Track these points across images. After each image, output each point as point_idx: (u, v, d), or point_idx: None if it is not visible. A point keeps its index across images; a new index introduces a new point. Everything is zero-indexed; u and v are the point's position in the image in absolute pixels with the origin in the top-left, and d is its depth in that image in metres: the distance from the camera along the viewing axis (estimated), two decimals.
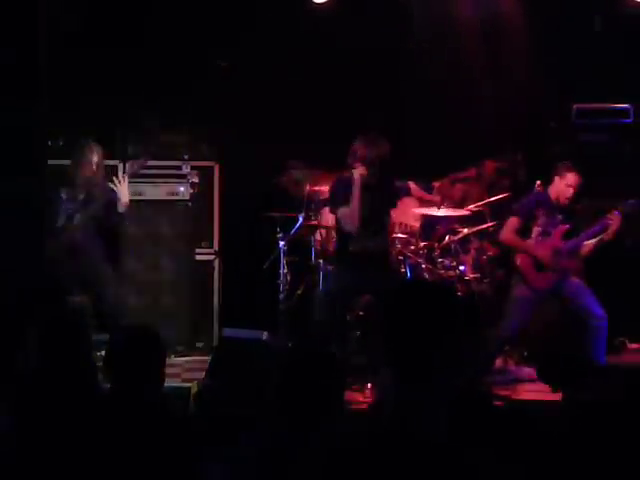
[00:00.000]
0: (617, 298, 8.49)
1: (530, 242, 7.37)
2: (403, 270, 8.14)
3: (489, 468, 2.48)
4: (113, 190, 7.70)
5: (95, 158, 7.73)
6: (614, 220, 7.29)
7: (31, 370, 3.42)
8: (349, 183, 7.08)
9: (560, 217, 7.38)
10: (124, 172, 8.24)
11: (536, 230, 7.37)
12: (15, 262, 5.87)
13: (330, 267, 7.94)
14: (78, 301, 7.71)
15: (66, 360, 3.48)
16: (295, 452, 2.88)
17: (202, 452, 3.31)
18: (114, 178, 7.80)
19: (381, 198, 7.25)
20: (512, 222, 7.44)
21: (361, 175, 7.02)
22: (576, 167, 7.41)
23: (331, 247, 8.16)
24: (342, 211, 7.15)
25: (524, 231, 7.40)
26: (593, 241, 7.38)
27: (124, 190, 7.71)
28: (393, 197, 7.51)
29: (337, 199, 7.23)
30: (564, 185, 7.32)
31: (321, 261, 8.14)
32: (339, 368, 3.18)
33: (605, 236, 7.33)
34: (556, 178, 7.38)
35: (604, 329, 7.16)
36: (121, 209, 7.73)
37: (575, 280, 7.38)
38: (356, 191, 7.03)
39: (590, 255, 7.45)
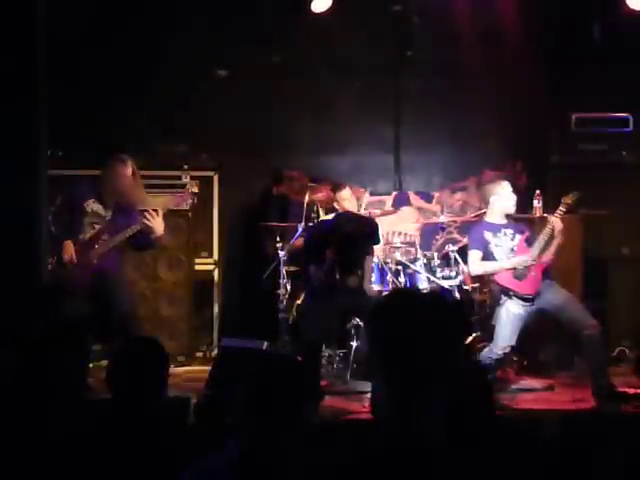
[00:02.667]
0: (615, 308, 8.51)
1: (500, 261, 7.34)
2: (402, 280, 8.13)
3: (489, 477, 2.47)
4: (143, 211, 7.39)
5: (128, 172, 7.35)
6: (555, 223, 7.26)
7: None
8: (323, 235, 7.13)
9: (510, 230, 7.34)
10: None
11: (498, 251, 7.34)
12: (9, 271, 5.85)
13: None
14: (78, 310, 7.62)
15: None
16: (264, 461, 2.87)
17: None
18: (148, 210, 7.50)
19: (357, 245, 7.20)
20: (473, 255, 7.37)
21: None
22: (501, 172, 7.44)
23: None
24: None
25: (489, 256, 7.37)
26: (552, 243, 7.35)
27: (159, 221, 7.40)
28: (369, 243, 7.45)
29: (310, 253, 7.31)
30: (504, 198, 7.30)
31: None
32: (301, 374, 3.16)
33: (557, 240, 7.30)
34: (491, 200, 7.34)
35: (598, 337, 7.11)
36: (153, 238, 7.51)
37: (562, 291, 7.34)
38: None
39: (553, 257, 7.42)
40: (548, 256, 7.29)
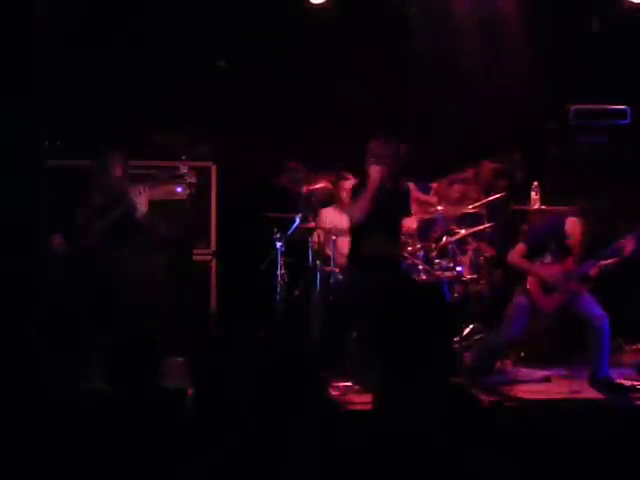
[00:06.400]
0: (614, 300, 8.50)
1: (539, 265, 7.30)
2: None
3: (483, 466, 2.48)
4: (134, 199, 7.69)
5: (119, 164, 7.69)
6: (627, 244, 7.22)
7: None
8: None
9: (569, 244, 7.30)
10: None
11: (548, 256, 7.31)
12: (8, 259, 5.86)
13: (344, 272, 7.93)
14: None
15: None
16: (269, 455, 2.87)
17: (195, 452, 3.32)
18: (135, 188, 7.76)
19: (396, 203, 7.22)
20: (520, 248, 7.34)
21: (379, 172, 7.06)
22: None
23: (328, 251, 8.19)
24: (354, 202, 7.23)
25: (537, 252, 7.33)
26: (605, 262, 7.32)
27: (143, 200, 7.68)
28: (408, 205, 7.46)
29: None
30: (580, 227, 7.26)
31: (318, 262, 8.12)
32: (312, 367, 3.16)
33: (618, 259, 7.27)
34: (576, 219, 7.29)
35: (605, 329, 7.14)
36: (139, 217, 7.70)
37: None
38: (372, 185, 7.04)
39: (599, 275, 7.39)
40: (588, 283, 7.28)
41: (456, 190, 9.22)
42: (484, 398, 2.92)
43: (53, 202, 7.62)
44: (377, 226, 7.15)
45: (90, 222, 7.58)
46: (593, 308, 7.21)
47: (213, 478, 2.93)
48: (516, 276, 7.43)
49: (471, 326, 8.36)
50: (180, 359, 8.49)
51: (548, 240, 7.29)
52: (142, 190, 7.72)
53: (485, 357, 7.48)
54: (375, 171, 7.06)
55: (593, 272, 7.30)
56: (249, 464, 2.88)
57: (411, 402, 2.45)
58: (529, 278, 7.32)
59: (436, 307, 2.58)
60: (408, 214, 7.50)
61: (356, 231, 7.36)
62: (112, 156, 7.72)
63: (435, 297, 2.65)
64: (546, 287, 7.27)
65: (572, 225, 7.29)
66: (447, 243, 8.29)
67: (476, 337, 8.18)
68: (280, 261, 8.33)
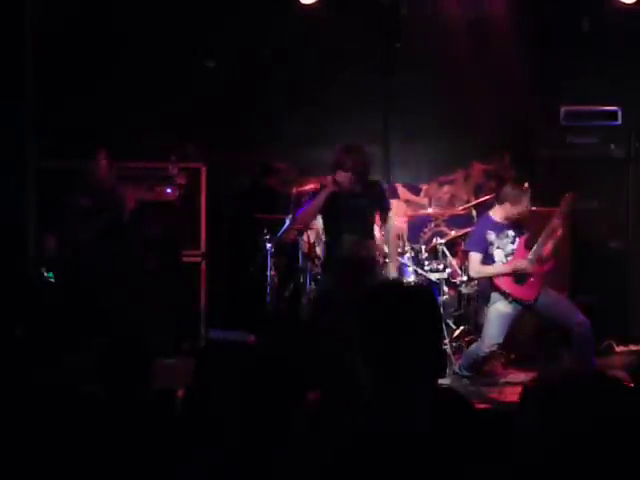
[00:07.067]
0: (603, 301, 8.51)
1: (500, 265, 7.32)
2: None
3: (472, 467, 2.47)
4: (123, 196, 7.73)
5: (107, 165, 7.75)
6: (557, 221, 7.26)
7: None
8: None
9: (511, 232, 7.32)
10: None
11: (498, 253, 7.32)
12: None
13: (318, 272, 7.98)
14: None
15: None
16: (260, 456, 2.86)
17: (185, 453, 3.30)
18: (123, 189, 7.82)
19: (365, 205, 7.26)
20: (472, 257, 7.37)
21: (336, 182, 7.12)
22: (523, 184, 7.36)
23: (319, 252, 8.19)
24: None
25: (488, 257, 7.34)
26: (551, 242, 7.33)
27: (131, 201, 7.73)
28: (379, 204, 7.48)
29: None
30: (523, 209, 7.27)
31: (309, 263, 8.12)
32: (291, 369, 3.15)
33: (556, 234, 7.31)
34: (507, 205, 7.29)
35: (587, 333, 7.13)
36: (127, 217, 7.74)
37: (551, 291, 7.35)
38: (321, 196, 7.19)
39: (552, 252, 7.40)
40: (549, 261, 7.28)
41: (446, 191, 9.22)
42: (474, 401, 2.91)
43: (45, 202, 7.63)
44: (349, 228, 7.20)
45: (80, 223, 7.58)
46: (574, 315, 7.21)
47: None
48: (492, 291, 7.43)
49: (461, 328, 8.36)
50: (170, 360, 8.52)
51: (486, 237, 7.29)
52: (129, 191, 7.73)
53: (469, 365, 7.51)
54: (331, 181, 7.14)
55: (546, 250, 7.30)
56: (239, 465, 2.87)
57: (401, 403, 2.43)
58: (497, 279, 7.30)
59: (426, 308, 2.56)
60: (384, 213, 7.49)
61: (328, 235, 7.42)
62: (100, 157, 7.72)
63: (425, 298, 2.63)
64: (519, 278, 7.26)
65: (498, 211, 7.33)
66: (437, 244, 8.28)
67: (466, 339, 8.18)
68: (270, 262, 8.32)
